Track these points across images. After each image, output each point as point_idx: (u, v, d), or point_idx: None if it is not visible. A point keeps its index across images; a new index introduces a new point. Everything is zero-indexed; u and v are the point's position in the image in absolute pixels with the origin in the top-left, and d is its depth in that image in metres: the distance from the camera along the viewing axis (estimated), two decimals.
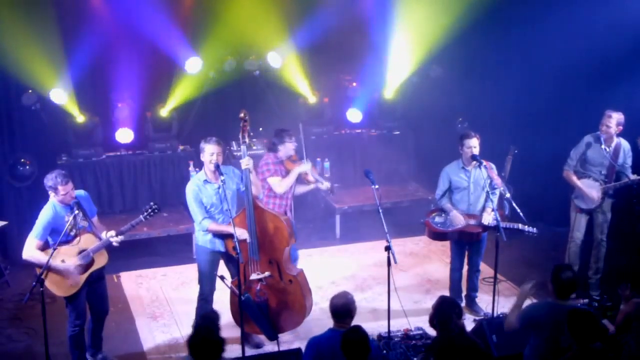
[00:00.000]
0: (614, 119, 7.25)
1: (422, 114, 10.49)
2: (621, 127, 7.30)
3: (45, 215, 5.97)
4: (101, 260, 6.17)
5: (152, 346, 6.91)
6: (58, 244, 5.89)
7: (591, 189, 7.43)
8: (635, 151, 7.47)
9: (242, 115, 6.55)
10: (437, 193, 7.26)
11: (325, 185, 7.51)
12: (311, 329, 6.51)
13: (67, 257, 5.97)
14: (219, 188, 6.34)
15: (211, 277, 6.57)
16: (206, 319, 4.83)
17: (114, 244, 6.08)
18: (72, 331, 6.23)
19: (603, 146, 7.33)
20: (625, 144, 7.41)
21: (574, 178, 7.50)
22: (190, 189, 6.44)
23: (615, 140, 7.38)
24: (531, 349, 5.47)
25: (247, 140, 6.55)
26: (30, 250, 5.94)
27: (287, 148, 7.26)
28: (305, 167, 7.32)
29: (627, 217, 8.24)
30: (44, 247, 5.99)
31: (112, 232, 6.09)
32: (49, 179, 5.93)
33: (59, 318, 6.57)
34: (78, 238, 6.02)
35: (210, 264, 6.59)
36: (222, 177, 6.25)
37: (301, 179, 7.39)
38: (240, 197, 6.58)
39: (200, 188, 6.43)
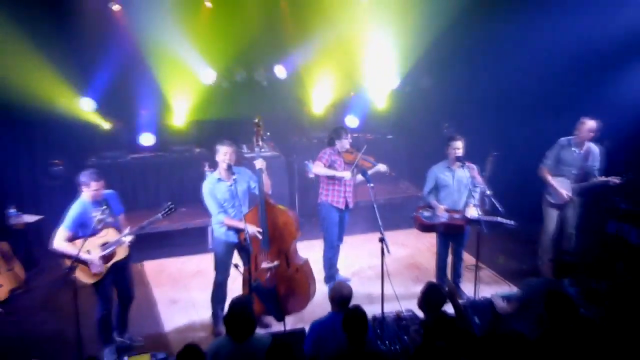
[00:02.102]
0: (586, 126, 7.32)
1: (413, 120, 10.52)
2: (592, 134, 7.36)
3: (75, 209, 6.04)
4: (122, 253, 6.19)
5: (172, 327, 7.01)
6: (88, 236, 5.96)
7: (562, 186, 7.54)
8: (607, 154, 7.54)
9: (256, 120, 6.62)
10: (425, 190, 7.35)
11: (382, 167, 7.43)
12: (314, 311, 6.62)
13: (91, 248, 6.03)
14: (231, 186, 6.44)
15: (226, 265, 6.64)
16: (239, 299, 4.87)
17: (126, 243, 6.13)
18: (101, 314, 6.30)
19: (573, 148, 7.46)
20: (594, 149, 7.48)
21: (549, 177, 7.60)
22: (206, 187, 6.52)
23: (587, 144, 7.48)
24: (526, 327, 5.38)
25: (260, 143, 6.63)
26: (59, 241, 5.97)
27: (343, 143, 7.40)
28: (346, 174, 7.31)
29: (595, 211, 8.30)
30: (72, 239, 6.02)
31: (127, 230, 6.13)
32: (85, 175, 6.01)
33: (88, 304, 6.59)
34: (105, 231, 6.09)
35: (225, 253, 6.67)
36: (234, 176, 6.37)
37: (361, 168, 7.28)
38: (253, 194, 6.66)
39: (214, 186, 6.51)
